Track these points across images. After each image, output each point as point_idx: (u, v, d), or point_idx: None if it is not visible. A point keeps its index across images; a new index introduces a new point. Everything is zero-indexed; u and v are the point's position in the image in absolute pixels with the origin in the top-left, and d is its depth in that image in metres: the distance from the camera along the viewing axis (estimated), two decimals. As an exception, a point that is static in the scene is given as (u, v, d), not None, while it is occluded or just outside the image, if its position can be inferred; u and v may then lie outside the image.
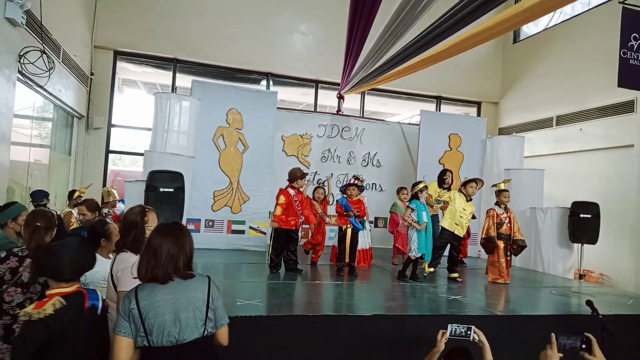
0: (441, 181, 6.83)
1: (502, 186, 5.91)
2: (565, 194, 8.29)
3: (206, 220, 7.24)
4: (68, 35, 7.49)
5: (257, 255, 7.17)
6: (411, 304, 4.44)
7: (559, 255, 6.88)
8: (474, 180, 5.87)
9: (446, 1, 4.35)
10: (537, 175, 7.70)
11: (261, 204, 7.54)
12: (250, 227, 7.53)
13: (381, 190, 9.00)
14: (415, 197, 5.55)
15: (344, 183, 6.00)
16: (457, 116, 10.41)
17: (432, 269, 5.57)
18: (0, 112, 4.89)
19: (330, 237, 7.84)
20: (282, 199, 5.74)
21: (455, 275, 5.57)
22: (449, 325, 2.79)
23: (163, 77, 10.26)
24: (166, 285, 2.07)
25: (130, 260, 2.54)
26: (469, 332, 2.74)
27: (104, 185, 8.83)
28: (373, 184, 8.94)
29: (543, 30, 10.86)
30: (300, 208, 5.81)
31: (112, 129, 9.47)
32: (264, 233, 7.57)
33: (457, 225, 5.74)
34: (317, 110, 10.67)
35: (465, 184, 5.89)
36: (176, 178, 4.89)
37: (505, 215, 5.76)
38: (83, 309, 2.25)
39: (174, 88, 9.74)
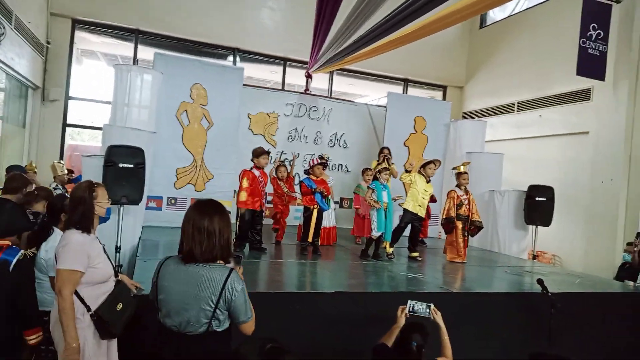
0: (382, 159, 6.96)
1: (462, 169, 6.06)
2: (524, 178, 8.59)
3: (168, 197, 7.10)
4: (21, 0, 7.05)
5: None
6: (372, 281, 4.54)
7: (515, 236, 7.15)
8: (432, 161, 6.00)
9: (415, -18, 4.33)
10: (496, 159, 7.93)
11: (225, 182, 7.43)
12: (214, 206, 7.42)
13: (347, 171, 9.05)
14: (375, 178, 5.62)
15: (310, 165, 5.97)
16: (423, 99, 10.53)
17: (391, 249, 5.67)
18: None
19: (296, 217, 7.88)
20: (245, 182, 5.67)
21: (415, 254, 5.71)
22: (408, 301, 2.87)
23: (124, 48, 9.86)
24: (186, 271, 2.03)
25: (73, 238, 2.46)
26: (427, 310, 2.82)
27: (61, 159, 8.48)
28: (339, 164, 8.98)
29: (509, 16, 11.05)
30: (264, 189, 5.76)
31: (70, 102, 9.07)
32: (228, 212, 7.48)
33: (419, 206, 5.88)
34: (285, 89, 10.55)
35: (424, 165, 6.01)
36: (136, 153, 4.74)
37: (465, 196, 5.92)
38: None
39: (135, 60, 9.39)
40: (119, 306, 2.59)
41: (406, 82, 11.74)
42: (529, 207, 6.87)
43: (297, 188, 6.80)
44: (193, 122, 7.19)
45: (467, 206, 5.88)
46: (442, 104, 9.57)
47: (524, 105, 10.10)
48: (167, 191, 7.05)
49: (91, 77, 10.62)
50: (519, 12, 10.75)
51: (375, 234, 5.46)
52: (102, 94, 9.26)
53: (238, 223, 5.67)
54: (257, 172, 5.77)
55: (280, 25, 10.30)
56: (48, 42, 8.50)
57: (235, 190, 7.58)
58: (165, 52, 8.22)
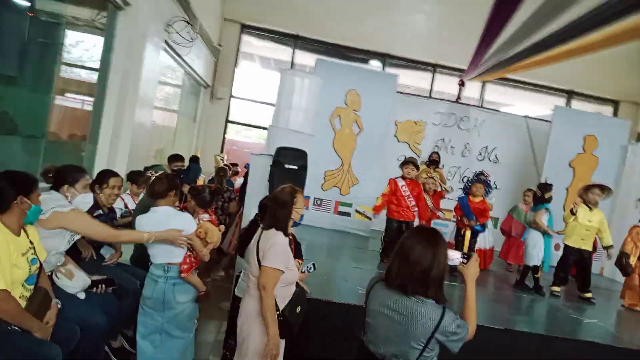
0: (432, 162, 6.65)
1: (653, 202, 5.18)
2: None
3: (315, 198, 7.32)
4: (202, 7, 7.83)
5: (361, 239, 7.13)
6: (540, 321, 4.09)
7: None
8: (600, 186, 5.11)
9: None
10: (690, 192, 6.67)
11: (370, 189, 7.41)
12: (357, 211, 7.48)
13: (496, 188, 8.40)
14: (544, 201, 5.06)
15: (467, 181, 5.58)
16: (596, 115, 9.25)
17: (558, 288, 5.04)
18: (147, 77, 5.25)
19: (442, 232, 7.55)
20: (385, 189, 5.61)
21: (588, 295, 4.96)
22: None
23: (278, 52, 10.45)
24: (397, 302, 1.88)
25: (279, 239, 2.55)
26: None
27: (222, 152, 9.32)
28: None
29: None
30: (412, 200, 5.57)
31: (232, 100, 9.89)
32: (370, 218, 7.48)
33: (583, 240, 5.10)
34: (432, 96, 10.21)
35: (587, 188, 5.17)
36: (301, 156, 4.90)
37: (653, 235, 5.04)
38: None
39: (292, 64, 9.88)
40: (298, 308, 2.66)
41: (570, 95, 10.54)
42: None
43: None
44: (345, 126, 7.30)
45: (657, 246, 4.99)
46: (618, 122, 8.37)
47: None
48: (315, 192, 7.27)
49: (248, 78, 11.47)
50: None
51: (536, 262, 4.94)
52: (257, 94, 9.92)
53: (384, 233, 5.61)
54: (401, 182, 5.62)
55: (433, 31, 9.97)
56: (220, 45, 9.36)
57: (378, 197, 7.60)
58: (325, 57, 8.44)
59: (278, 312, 2.53)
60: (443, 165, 8.09)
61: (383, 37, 9.90)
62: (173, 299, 2.83)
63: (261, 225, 2.87)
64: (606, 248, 5.18)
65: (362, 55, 10.16)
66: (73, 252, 2.84)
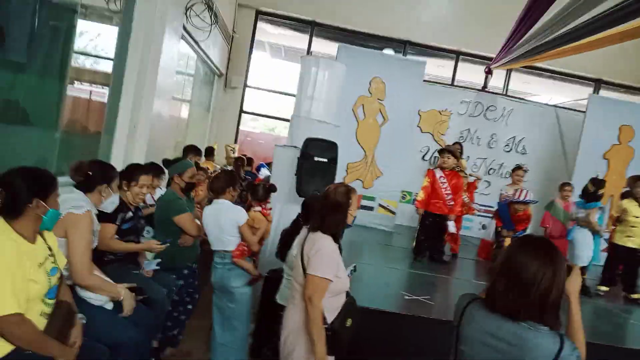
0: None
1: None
2: None
3: (337, 191, 7.00)
4: (217, -8, 7.48)
5: (384, 235, 6.84)
6: (603, 330, 3.75)
7: None
8: None
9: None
10: None
11: (394, 182, 7.11)
12: (380, 205, 7.16)
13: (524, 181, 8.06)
14: (596, 198, 4.71)
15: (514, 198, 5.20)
16: (633, 104, 8.76)
17: (605, 288, 4.75)
18: (166, 65, 4.91)
19: (466, 227, 7.20)
20: (425, 181, 5.31)
21: (637, 296, 4.68)
22: None
23: (295, 39, 10.07)
24: (500, 328, 1.54)
25: (327, 244, 2.27)
26: None
27: (235, 143, 9.01)
28: (515, 172, 8.04)
29: None
30: (450, 192, 5.26)
31: (247, 90, 9.54)
32: (394, 213, 7.18)
33: (630, 237, 4.80)
34: (455, 84, 9.80)
35: (637, 180, 4.85)
36: (331, 148, 4.60)
37: None
38: None
39: (309, 52, 9.50)
40: (349, 321, 2.37)
41: (598, 83, 10.09)
42: None
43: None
44: (368, 116, 6.96)
45: None
46: (655, 111, 7.96)
47: None
48: (336, 185, 6.96)
49: (261, 66, 11.10)
50: None
51: (584, 263, 4.61)
52: (271, 83, 9.57)
53: (418, 227, 5.32)
54: (439, 172, 5.33)
55: (456, 17, 9.52)
56: (234, 32, 8.99)
57: (403, 191, 7.31)
58: (347, 45, 8.01)
59: (327, 326, 2.25)
60: (468, 157, 7.77)
61: (403, 23, 9.47)
62: (229, 283, 3.13)
63: (305, 226, 2.57)
64: None
65: (381, 42, 9.73)
66: (97, 254, 2.54)
